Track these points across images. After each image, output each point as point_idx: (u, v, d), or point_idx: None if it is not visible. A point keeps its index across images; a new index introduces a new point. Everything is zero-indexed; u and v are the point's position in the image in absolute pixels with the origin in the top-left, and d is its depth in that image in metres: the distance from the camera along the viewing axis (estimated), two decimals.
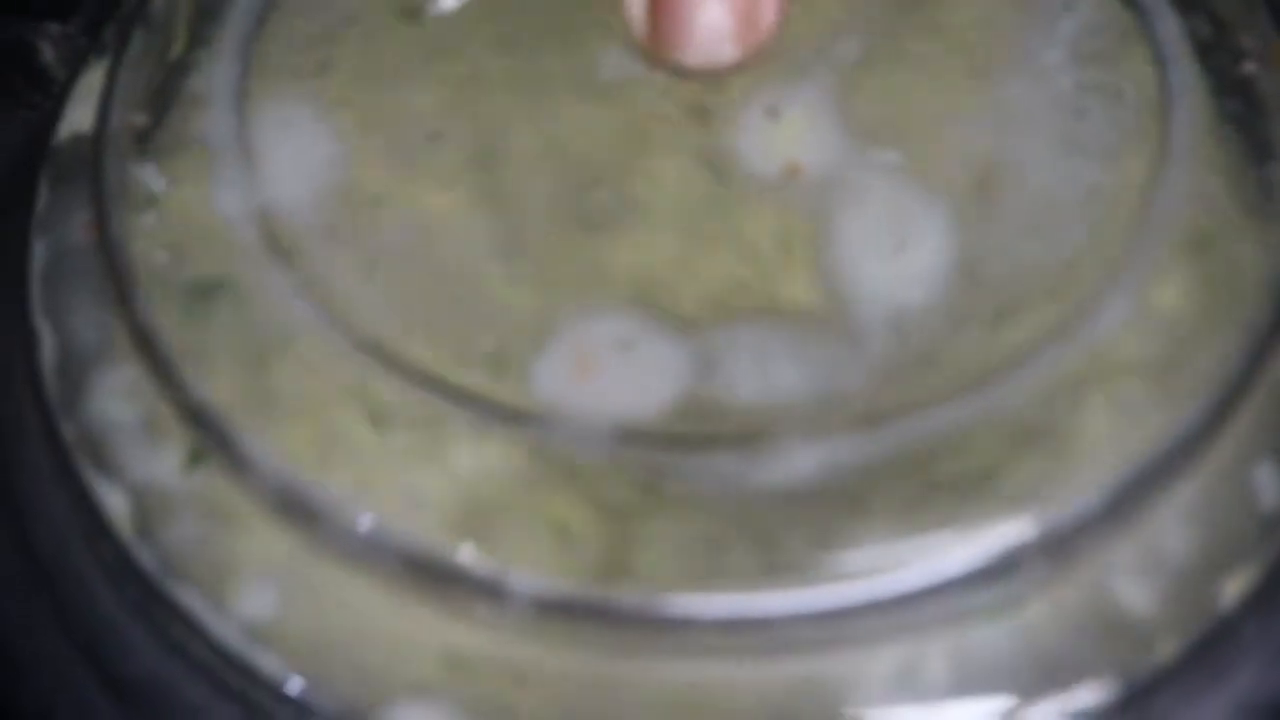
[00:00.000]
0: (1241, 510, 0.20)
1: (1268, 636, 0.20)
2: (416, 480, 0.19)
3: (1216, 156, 0.21)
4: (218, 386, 0.20)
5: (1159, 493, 0.19)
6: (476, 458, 0.19)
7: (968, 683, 0.19)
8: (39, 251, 0.22)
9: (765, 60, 0.22)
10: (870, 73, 0.22)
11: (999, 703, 0.19)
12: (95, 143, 0.22)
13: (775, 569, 0.18)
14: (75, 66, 0.24)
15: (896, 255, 0.20)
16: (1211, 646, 0.20)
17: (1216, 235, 0.21)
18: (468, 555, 0.19)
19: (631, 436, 0.19)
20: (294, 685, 0.19)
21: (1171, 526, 0.20)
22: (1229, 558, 0.20)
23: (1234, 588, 0.20)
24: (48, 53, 0.25)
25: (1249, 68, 0.22)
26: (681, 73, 0.22)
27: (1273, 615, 0.20)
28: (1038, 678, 0.19)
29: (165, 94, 0.23)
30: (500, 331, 0.20)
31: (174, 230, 0.21)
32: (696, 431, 0.19)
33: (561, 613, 0.19)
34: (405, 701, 0.19)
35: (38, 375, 0.22)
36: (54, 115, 0.24)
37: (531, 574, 0.19)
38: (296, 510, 0.19)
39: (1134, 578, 0.20)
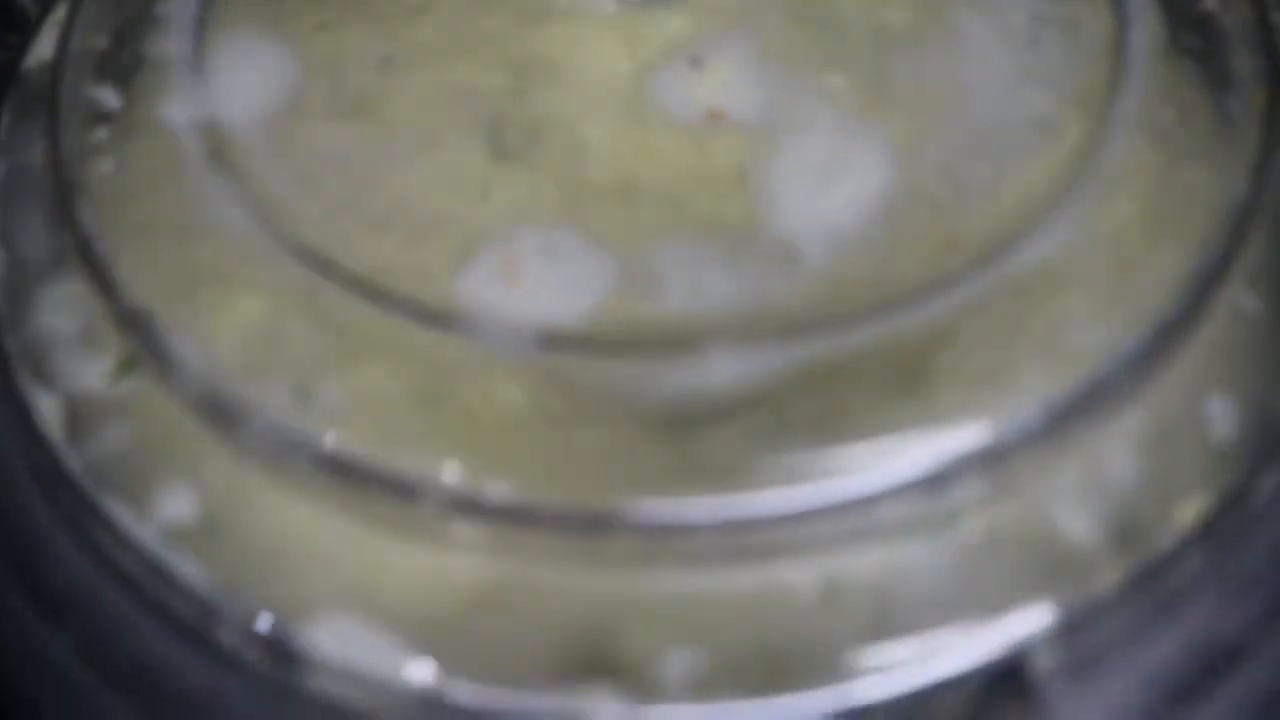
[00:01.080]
0: (1192, 441, 0.19)
1: (1220, 574, 0.19)
2: (342, 384, 0.19)
3: (1171, 86, 0.21)
4: (153, 293, 0.20)
5: (1100, 416, 0.19)
6: (403, 363, 0.19)
7: (895, 601, 0.18)
8: None
9: None
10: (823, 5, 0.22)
11: (929, 624, 0.18)
12: (55, 65, 0.22)
13: (695, 475, 0.18)
14: (47, 4, 0.25)
15: (837, 178, 0.20)
16: (1157, 580, 0.19)
17: (1169, 163, 0.20)
18: (386, 459, 0.18)
19: (554, 341, 0.18)
20: (213, 592, 0.19)
21: (1117, 454, 0.19)
22: (1177, 489, 0.19)
23: (1181, 520, 0.19)
24: None
25: (1209, 4, 0.22)
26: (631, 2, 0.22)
27: (1224, 551, 0.19)
28: (970, 601, 0.18)
29: (131, 21, 0.23)
30: (430, 241, 0.20)
31: (123, 144, 0.21)
32: (620, 337, 0.18)
33: (479, 518, 0.18)
34: (325, 610, 0.19)
35: None
36: (23, 49, 0.24)
37: (450, 479, 0.18)
38: (219, 414, 0.19)
39: (1075, 503, 0.19)
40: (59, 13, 0.24)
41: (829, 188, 0.20)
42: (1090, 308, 0.19)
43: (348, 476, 0.18)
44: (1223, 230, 0.20)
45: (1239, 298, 0.20)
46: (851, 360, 0.18)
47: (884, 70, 0.21)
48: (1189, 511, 0.19)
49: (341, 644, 0.18)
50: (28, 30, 0.25)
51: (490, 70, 0.21)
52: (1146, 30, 0.21)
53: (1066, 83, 0.21)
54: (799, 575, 0.18)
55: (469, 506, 0.18)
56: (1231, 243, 0.20)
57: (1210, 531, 0.19)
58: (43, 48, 0.24)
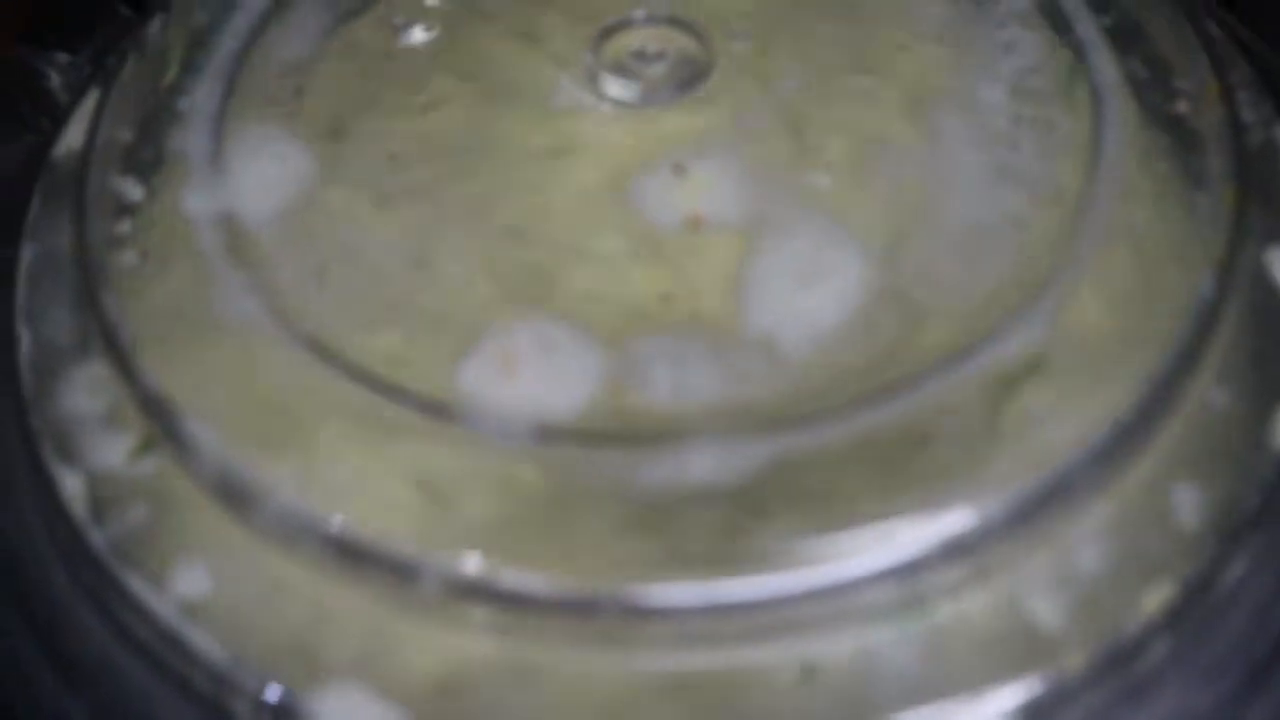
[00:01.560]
0: (1159, 531, 0.20)
1: (1186, 659, 0.20)
2: (348, 470, 0.20)
3: (1143, 186, 0.22)
4: (172, 379, 0.21)
5: (1069, 507, 0.20)
6: (405, 450, 0.20)
7: (870, 683, 0.19)
8: (26, 257, 0.24)
9: (713, 91, 0.23)
10: (812, 106, 0.23)
11: (902, 704, 0.19)
12: (83, 157, 0.24)
13: (679, 562, 0.19)
14: (78, 93, 0.26)
15: (820, 277, 0.21)
16: (1124, 665, 0.20)
17: (1140, 261, 0.21)
18: (388, 542, 0.20)
19: (546, 433, 0.20)
20: (225, 663, 0.20)
21: (1085, 543, 0.20)
22: (1144, 577, 0.20)
23: (1148, 606, 0.20)
24: (55, 80, 0.26)
25: (1182, 106, 0.23)
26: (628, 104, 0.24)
27: (1190, 637, 0.20)
28: (942, 683, 0.19)
29: (153, 116, 0.24)
30: (433, 335, 0.21)
31: (145, 235, 0.23)
32: (609, 430, 0.20)
33: (474, 598, 0.19)
34: (332, 681, 0.20)
35: (15, 371, 0.23)
36: (53, 136, 0.26)
37: (447, 561, 0.19)
38: (233, 495, 0.20)
39: (1044, 590, 0.20)
40: (88, 103, 0.25)
41: (808, 288, 0.21)
42: (1060, 403, 0.20)
43: (352, 557, 0.20)
44: (1190, 328, 0.21)
45: (1207, 392, 0.21)
46: (829, 453, 0.20)
47: (868, 172, 0.22)
48: (1155, 599, 0.20)
49: (347, 714, 0.20)
50: (58, 115, 0.27)
51: (489, 170, 0.23)
52: (1120, 131, 0.22)
53: (1042, 183, 0.22)
54: (778, 657, 0.19)
55: (464, 587, 0.19)
56: (1198, 340, 0.21)
57: (1176, 618, 0.20)
58: (72, 136, 0.25)
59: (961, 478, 0.19)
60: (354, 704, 0.20)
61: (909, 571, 0.19)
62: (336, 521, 0.20)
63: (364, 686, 0.20)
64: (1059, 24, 0.24)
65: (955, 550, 0.19)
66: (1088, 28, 0.24)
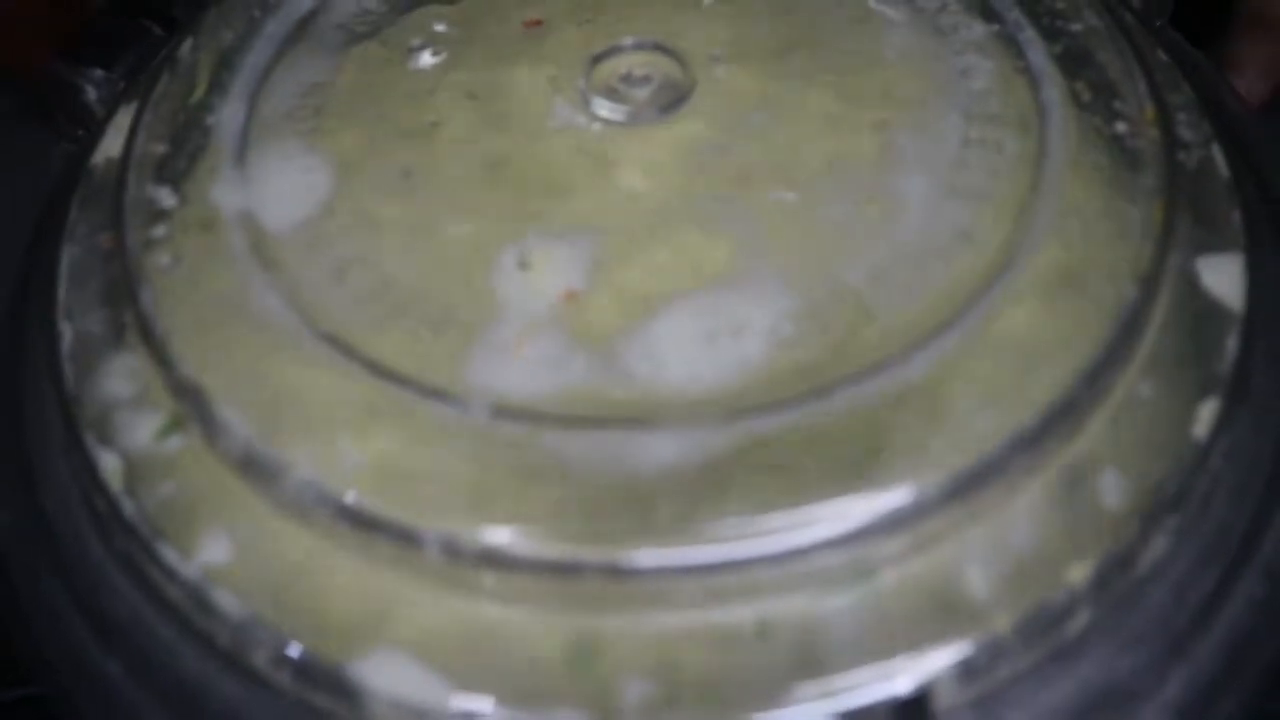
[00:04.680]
0: (1085, 511, 0.24)
1: (1108, 628, 0.24)
2: (360, 449, 0.24)
3: (1080, 202, 0.26)
4: (202, 367, 0.25)
5: (1001, 488, 0.24)
6: (411, 432, 0.24)
7: (819, 640, 0.23)
8: (66, 257, 0.28)
9: (694, 111, 0.27)
10: (778, 121, 0.27)
11: (847, 660, 0.23)
12: (120, 166, 0.28)
13: (652, 531, 0.23)
14: (113, 107, 0.30)
15: (786, 284, 0.25)
16: (1048, 631, 0.24)
17: (1074, 270, 0.25)
18: (395, 513, 0.23)
19: (537, 417, 0.24)
20: (246, 622, 0.24)
21: (1016, 520, 0.24)
22: (1069, 552, 0.24)
23: (1072, 579, 0.24)
24: (90, 94, 0.30)
25: (1120, 127, 0.27)
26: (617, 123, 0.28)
27: (1112, 609, 0.24)
28: (883, 642, 0.23)
29: (185, 130, 0.29)
30: (437, 331, 0.25)
31: (177, 238, 0.27)
32: (592, 415, 0.24)
33: (469, 563, 0.23)
34: (346, 640, 0.24)
35: (57, 361, 0.27)
36: (90, 146, 0.30)
37: (446, 530, 0.23)
38: (256, 471, 0.24)
39: (977, 562, 0.24)
40: (123, 116, 0.30)
41: (775, 294, 0.25)
42: (995, 394, 0.24)
43: (364, 527, 0.24)
44: (1116, 328, 0.25)
45: (1134, 386, 0.25)
46: (786, 438, 0.23)
47: (830, 187, 0.26)
48: (1079, 572, 0.24)
49: (355, 667, 0.24)
50: (93, 125, 0.31)
51: (491, 183, 0.27)
52: (1062, 152, 0.26)
53: (988, 198, 0.26)
54: (737, 615, 0.23)
55: (461, 553, 0.23)
56: (1124, 339, 0.25)
57: (1099, 591, 0.24)
58: (108, 146, 0.29)
59: (904, 459, 0.23)
60: (361, 656, 0.23)
61: (855, 542, 0.23)
62: (349, 496, 0.24)
63: (370, 641, 0.23)
64: (1013, 51, 0.28)
65: (896, 524, 0.23)
66: (1039, 55, 0.28)
